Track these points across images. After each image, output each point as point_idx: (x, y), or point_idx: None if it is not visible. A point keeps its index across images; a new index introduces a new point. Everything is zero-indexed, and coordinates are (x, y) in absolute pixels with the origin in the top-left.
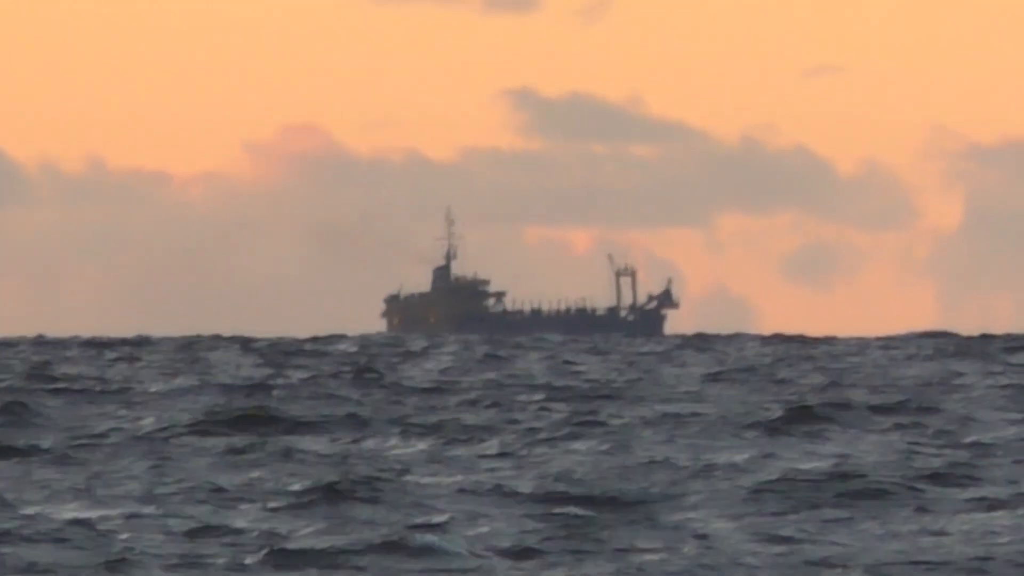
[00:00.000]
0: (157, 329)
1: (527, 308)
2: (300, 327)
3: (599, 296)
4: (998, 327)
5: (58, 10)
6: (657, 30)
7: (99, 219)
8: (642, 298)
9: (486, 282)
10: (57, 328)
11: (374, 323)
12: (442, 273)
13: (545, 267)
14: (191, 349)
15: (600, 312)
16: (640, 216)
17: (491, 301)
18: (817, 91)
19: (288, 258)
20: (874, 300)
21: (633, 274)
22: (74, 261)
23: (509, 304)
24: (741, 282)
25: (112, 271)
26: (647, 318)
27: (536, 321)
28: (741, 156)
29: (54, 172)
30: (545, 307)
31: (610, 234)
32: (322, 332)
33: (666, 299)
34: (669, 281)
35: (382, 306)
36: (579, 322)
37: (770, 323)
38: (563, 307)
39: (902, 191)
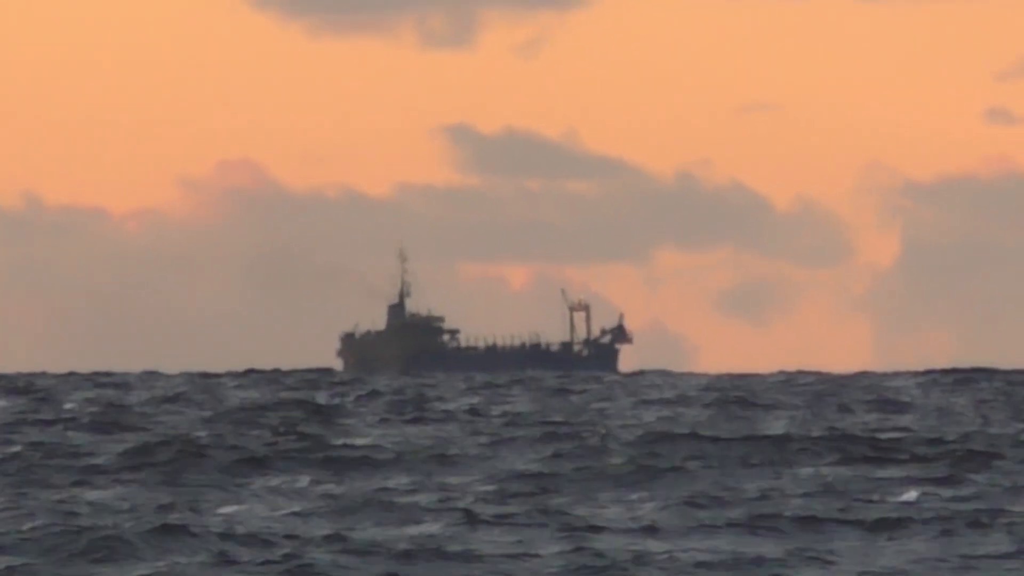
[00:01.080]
0: (93, 364)
1: (481, 344)
2: (252, 362)
3: (544, 331)
4: (935, 363)
5: None
6: (593, 66)
7: (36, 255)
8: (595, 332)
9: (440, 319)
10: None
11: (327, 359)
12: (396, 310)
13: (481, 302)
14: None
15: (554, 347)
16: (577, 251)
17: (446, 337)
18: (752, 127)
19: (230, 293)
20: (811, 336)
21: (587, 309)
22: (11, 297)
23: (463, 340)
24: (678, 318)
25: (51, 307)
26: (601, 352)
27: (491, 357)
28: (677, 192)
29: None
30: (500, 343)
31: (547, 269)
32: (282, 367)
33: (619, 334)
34: (621, 316)
35: (336, 344)
36: (534, 357)
37: (707, 359)
38: (517, 342)
39: (838, 227)
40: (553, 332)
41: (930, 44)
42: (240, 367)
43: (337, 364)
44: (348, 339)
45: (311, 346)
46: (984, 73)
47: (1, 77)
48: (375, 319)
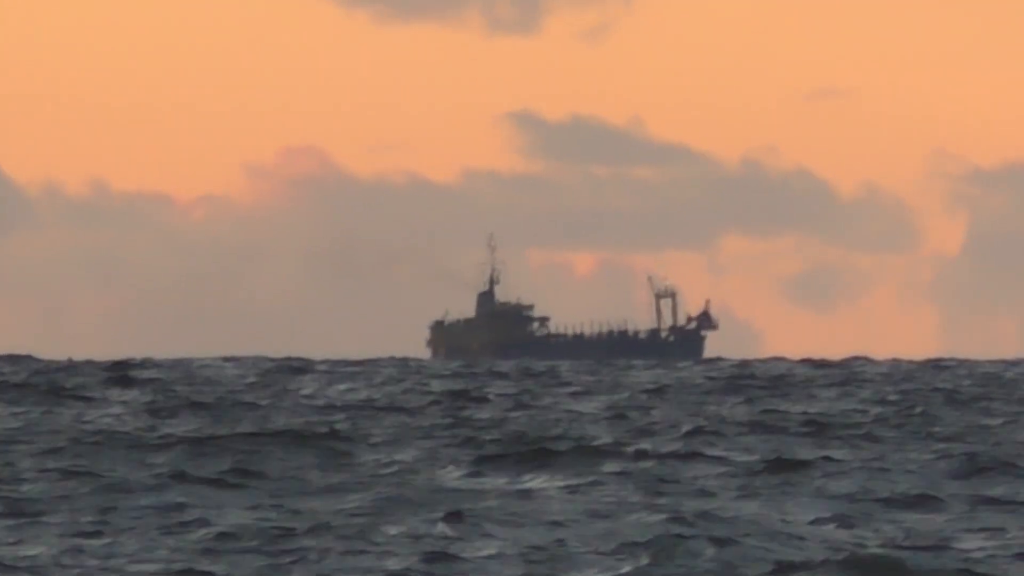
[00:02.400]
0: (164, 351)
1: (569, 332)
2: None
3: (611, 316)
4: (1001, 351)
5: (61, 33)
6: (659, 53)
7: (102, 241)
8: (682, 320)
9: (530, 307)
10: (59, 350)
11: (413, 347)
12: (486, 299)
13: (548, 288)
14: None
15: (642, 335)
16: (642, 239)
17: (535, 326)
18: (818, 114)
19: (300, 281)
20: (877, 323)
21: (673, 296)
22: (77, 283)
23: (551, 328)
24: (743, 305)
25: (120, 292)
26: (687, 340)
27: (578, 345)
28: (742, 178)
29: (57, 194)
30: (587, 331)
31: (612, 257)
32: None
33: (705, 321)
34: (707, 303)
35: (425, 332)
36: (620, 345)
37: (773, 346)
38: (604, 330)
39: (904, 214)
40: (616, 316)
41: (997, 30)
42: (318, 355)
43: (426, 353)
44: (437, 327)
45: (387, 334)
46: None
47: (69, 63)
48: (450, 304)
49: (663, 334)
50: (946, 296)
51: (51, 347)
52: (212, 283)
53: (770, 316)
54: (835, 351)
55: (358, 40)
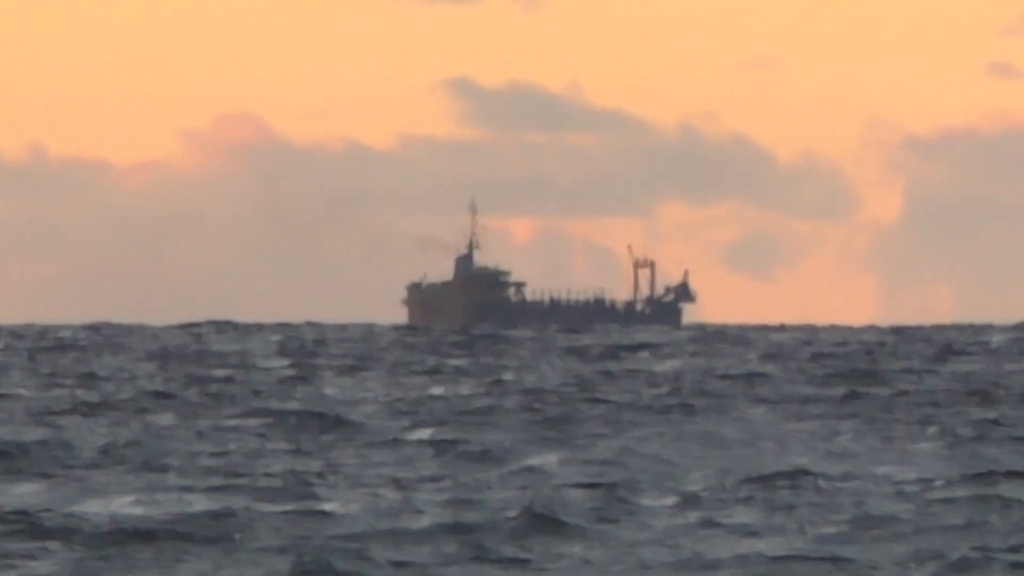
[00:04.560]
0: (107, 316)
1: (546, 298)
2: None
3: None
4: (937, 318)
5: None
6: (596, 18)
7: (40, 207)
8: (659, 290)
9: (507, 272)
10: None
11: (391, 312)
12: (464, 262)
13: (486, 254)
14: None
15: (618, 304)
16: (580, 205)
17: (511, 291)
18: (756, 81)
19: (239, 246)
20: (816, 290)
21: (652, 266)
22: (15, 248)
23: (528, 295)
24: (681, 271)
25: (60, 258)
26: (664, 310)
27: (555, 311)
28: (680, 145)
29: None
30: (564, 297)
31: (549, 223)
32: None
33: (683, 292)
34: (686, 273)
35: (403, 293)
36: (597, 313)
37: (712, 312)
38: (581, 298)
39: (842, 182)
40: (558, 283)
41: None
42: (272, 320)
43: (402, 314)
44: (414, 289)
45: (372, 298)
46: (986, 27)
47: (7, 29)
48: (393, 268)
49: (639, 305)
50: (884, 263)
51: None
52: (150, 249)
53: (708, 283)
54: (773, 318)
55: (294, 6)
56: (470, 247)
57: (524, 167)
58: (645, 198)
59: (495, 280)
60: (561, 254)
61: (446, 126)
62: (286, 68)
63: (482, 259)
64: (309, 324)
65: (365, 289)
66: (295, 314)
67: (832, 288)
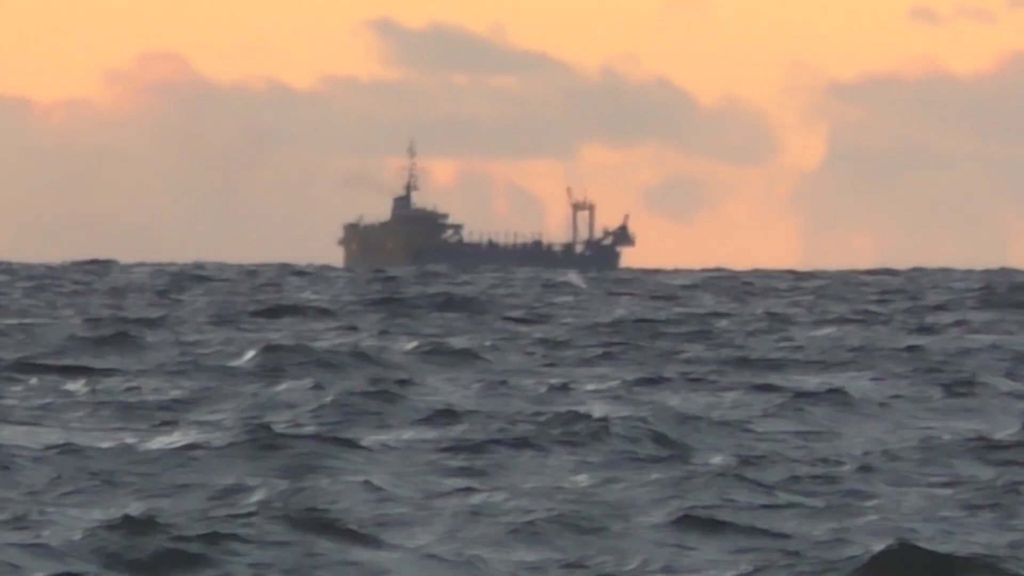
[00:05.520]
0: (23, 256)
1: (484, 241)
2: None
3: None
4: (858, 264)
5: None
6: None
7: None
8: (599, 233)
9: (445, 215)
10: None
11: (322, 252)
12: (402, 203)
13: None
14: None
15: (556, 247)
16: (502, 147)
17: (449, 232)
18: (678, 24)
19: (174, 186)
20: (737, 235)
21: (591, 209)
22: None
23: (466, 236)
24: (603, 215)
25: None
26: (602, 254)
27: (492, 253)
28: (602, 88)
29: None
30: (502, 240)
31: (471, 165)
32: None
33: (622, 235)
34: (626, 217)
35: (339, 233)
36: (534, 255)
37: (632, 257)
38: (519, 241)
39: (764, 126)
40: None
41: None
42: (199, 259)
43: (338, 254)
44: (352, 229)
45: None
46: None
47: None
48: (317, 209)
49: (577, 248)
50: (804, 208)
51: None
52: (71, 187)
53: (630, 226)
54: (695, 262)
55: None
56: (408, 188)
57: (447, 108)
58: (567, 140)
59: (434, 222)
60: (484, 196)
61: (369, 66)
62: (208, 7)
63: (420, 200)
64: (220, 265)
65: (291, 229)
66: (218, 254)
67: (753, 233)
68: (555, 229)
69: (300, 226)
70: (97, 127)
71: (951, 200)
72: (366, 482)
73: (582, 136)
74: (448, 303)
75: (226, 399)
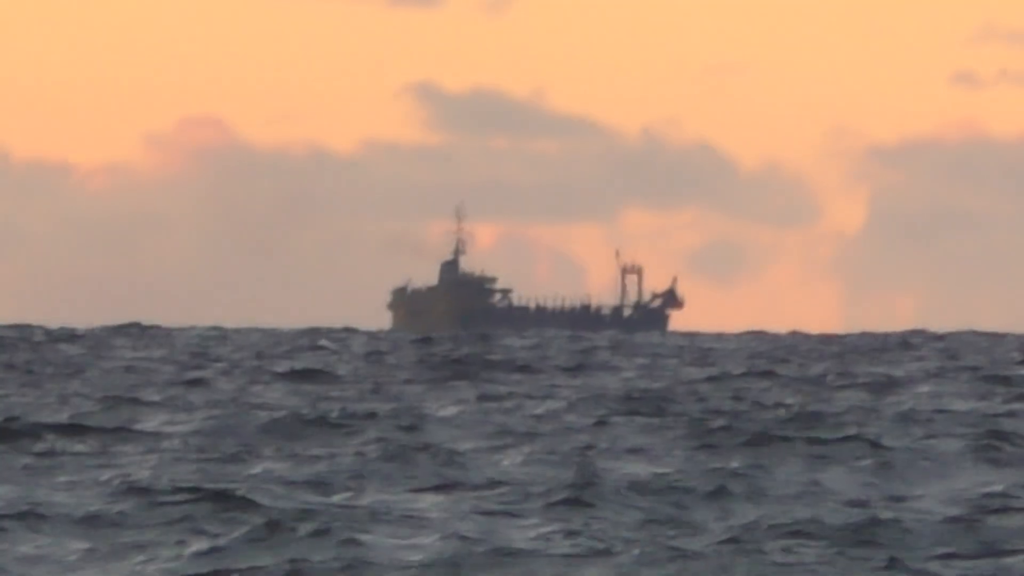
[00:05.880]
0: (73, 320)
1: (532, 305)
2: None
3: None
4: (899, 326)
5: None
6: (561, 24)
7: (2, 209)
8: (647, 296)
9: (493, 279)
10: None
11: (374, 318)
12: (450, 268)
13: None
14: None
15: (604, 310)
16: (543, 211)
17: (497, 297)
18: (720, 88)
19: (215, 250)
20: (779, 298)
21: (639, 272)
22: None
23: (515, 300)
24: (646, 278)
25: (21, 260)
26: (651, 316)
27: (541, 317)
28: (644, 151)
29: None
30: (550, 304)
31: (513, 229)
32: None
33: (671, 298)
34: (674, 280)
35: (388, 298)
36: (583, 319)
37: (675, 320)
38: (567, 304)
39: (805, 190)
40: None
41: (897, 6)
42: (245, 324)
43: (386, 319)
44: (399, 294)
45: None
46: (951, 36)
47: None
48: (362, 273)
49: (626, 311)
50: (847, 272)
51: None
52: (112, 251)
53: (678, 288)
54: (736, 325)
55: (259, 10)
56: (455, 253)
57: (487, 172)
58: (608, 204)
59: (481, 286)
60: (525, 259)
61: (410, 131)
62: (250, 71)
63: (467, 265)
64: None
65: (334, 293)
66: (260, 319)
67: (794, 295)
68: (598, 293)
69: (341, 290)
70: (137, 191)
71: (991, 263)
72: None
73: (623, 200)
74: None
75: None
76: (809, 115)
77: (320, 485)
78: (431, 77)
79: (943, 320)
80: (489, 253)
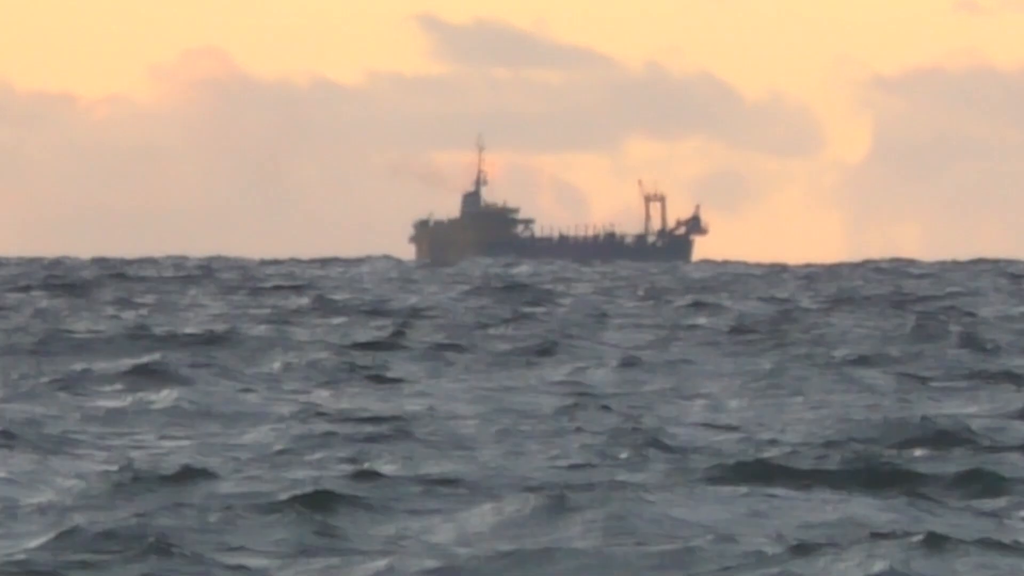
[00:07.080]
0: (78, 251)
1: (555, 234)
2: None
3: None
4: (903, 255)
5: None
6: None
7: (6, 140)
8: (671, 223)
9: (515, 209)
10: None
11: (394, 248)
12: (472, 199)
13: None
14: None
15: (628, 238)
16: (546, 141)
17: (520, 227)
18: (722, 17)
19: (216, 181)
20: (783, 228)
21: (663, 200)
22: None
23: (537, 231)
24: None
25: (26, 191)
26: (675, 244)
27: (564, 247)
28: (646, 81)
29: None
30: (572, 233)
31: (516, 159)
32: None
33: (695, 225)
34: (698, 207)
35: (410, 231)
36: (607, 248)
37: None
38: (591, 233)
39: (808, 119)
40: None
41: None
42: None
43: (409, 251)
44: (422, 226)
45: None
46: None
47: None
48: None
49: (650, 238)
50: (850, 201)
51: None
52: (115, 182)
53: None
54: (741, 254)
55: None
56: (477, 184)
57: (490, 103)
58: (612, 134)
59: (504, 217)
60: (528, 189)
61: (413, 61)
62: (252, 2)
63: (489, 195)
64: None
65: (343, 223)
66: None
67: (799, 225)
68: (601, 222)
69: (349, 220)
70: (141, 123)
71: (996, 191)
72: None
73: (626, 130)
74: None
75: None
76: (812, 44)
77: None
78: (433, 8)
79: (947, 249)
80: (492, 182)
